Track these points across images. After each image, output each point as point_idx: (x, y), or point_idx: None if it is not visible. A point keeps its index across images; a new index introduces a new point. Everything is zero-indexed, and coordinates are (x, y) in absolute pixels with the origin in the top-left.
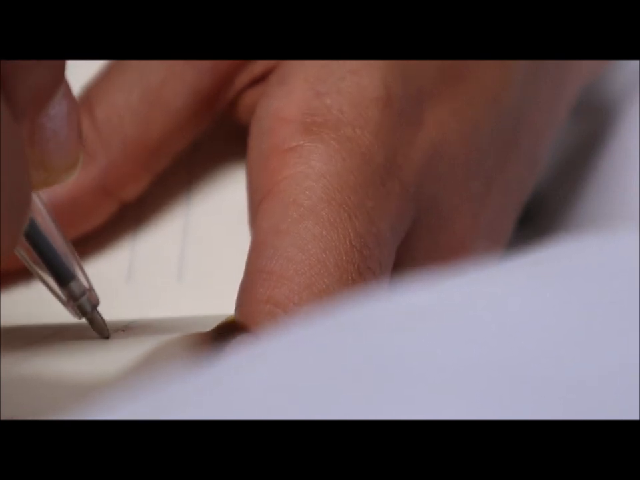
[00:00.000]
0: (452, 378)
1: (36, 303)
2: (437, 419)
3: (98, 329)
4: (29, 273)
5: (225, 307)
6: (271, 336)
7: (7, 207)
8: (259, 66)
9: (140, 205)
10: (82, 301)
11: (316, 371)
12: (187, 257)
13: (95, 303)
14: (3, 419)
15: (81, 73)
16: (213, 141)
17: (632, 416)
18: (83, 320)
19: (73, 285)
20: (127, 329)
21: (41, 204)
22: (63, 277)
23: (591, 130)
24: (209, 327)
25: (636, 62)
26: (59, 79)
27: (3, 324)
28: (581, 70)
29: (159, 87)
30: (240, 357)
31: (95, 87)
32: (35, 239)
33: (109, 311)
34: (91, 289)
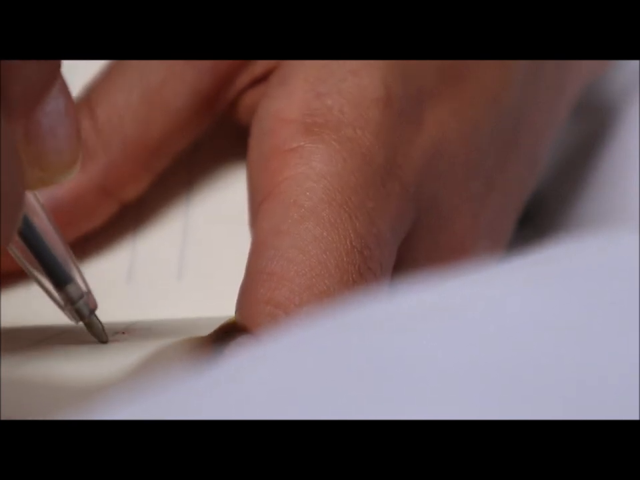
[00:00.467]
0: (453, 379)
1: (36, 303)
2: (438, 419)
3: (96, 334)
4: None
5: (225, 307)
6: (271, 337)
7: None
8: (259, 66)
9: (140, 206)
10: (79, 305)
11: (317, 372)
12: (187, 258)
13: (92, 307)
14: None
15: (81, 73)
16: (213, 141)
17: (632, 416)
18: (81, 324)
19: (70, 288)
20: (128, 331)
21: (38, 205)
22: (60, 280)
23: (591, 130)
24: (210, 327)
25: (636, 62)
26: (54, 75)
27: (2, 324)
28: (581, 70)
29: (159, 87)
30: (241, 359)
31: (96, 87)
32: (32, 240)
33: (109, 312)
34: (89, 293)
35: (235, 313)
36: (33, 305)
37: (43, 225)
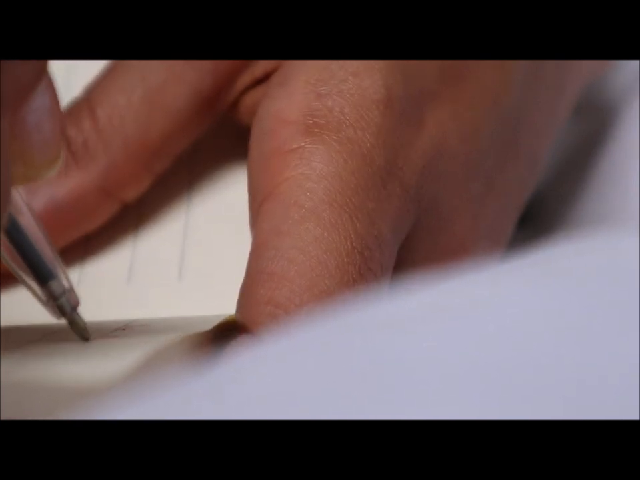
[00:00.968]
0: (453, 379)
1: (36, 303)
2: (438, 419)
3: (78, 331)
4: None
5: (225, 307)
6: (272, 338)
7: None
8: (260, 67)
9: (141, 206)
10: (61, 301)
11: (318, 374)
12: (187, 258)
13: (74, 304)
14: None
15: (81, 73)
16: (214, 141)
17: (632, 416)
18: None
19: (53, 285)
20: (127, 328)
21: (22, 202)
22: (43, 276)
23: (591, 130)
24: (209, 326)
25: (636, 62)
26: (41, 72)
27: (3, 324)
28: (581, 71)
29: (160, 88)
30: (241, 360)
31: (96, 88)
32: (15, 235)
33: (110, 312)
34: (72, 290)
35: (236, 313)
36: (33, 304)
37: (27, 221)
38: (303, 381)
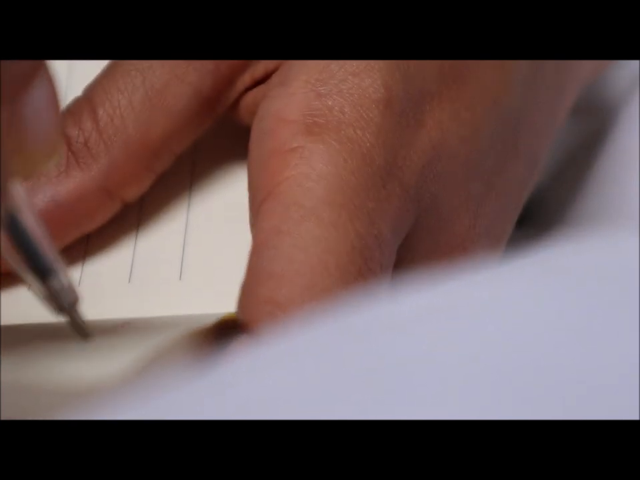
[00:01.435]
0: (453, 380)
1: (36, 302)
2: (438, 419)
3: (77, 329)
4: None
5: (226, 307)
6: (272, 339)
7: None
8: (260, 67)
9: (141, 205)
10: (60, 298)
11: (318, 375)
12: (187, 258)
13: (74, 301)
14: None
15: (81, 73)
16: (215, 141)
17: (632, 416)
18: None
19: (52, 281)
20: (127, 325)
21: (22, 196)
22: (42, 271)
23: (591, 130)
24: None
25: (636, 62)
26: (39, 63)
27: (3, 324)
28: (581, 70)
29: (161, 89)
30: (241, 362)
31: (97, 88)
32: (15, 229)
33: (110, 311)
34: (71, 287)
35: (236, 312)
36: (33, 304)
37: (27, 216)
38: (303, 383)
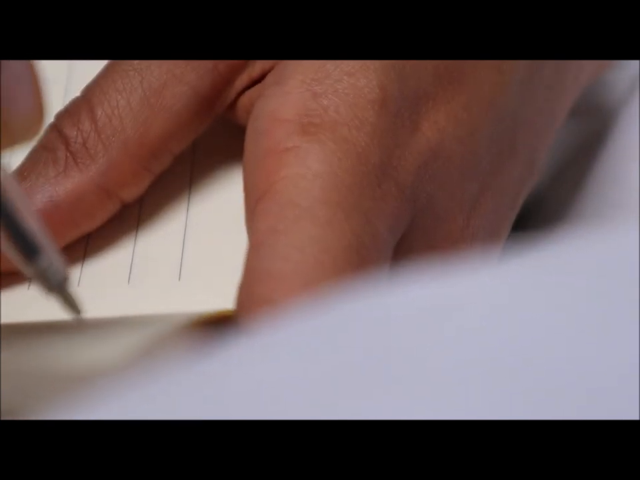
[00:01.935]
0: (452, 379)
1: (36, 302)
2: (436, 419)
3: (68, 306)
4: None
5: (225, 306)
6: (268, 333)
7: None
8: (257, 67)
9: (141, 206)
10: (49, 276)
11: (314, 370)
12: (187, 258)
13: (63, 279)
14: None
15: (80, 73)
16: (214, 141)
17: (632, 416)
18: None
19: (40, 260)
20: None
21: (5, 175)
22: (29, 250)
23: (591, 130)
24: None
25: (636, 62)
26: None
27: (2, 324)
28: (581, 71)
29: (159, 89)
30: (233, 353)
31: (95, 88)
32: (0, 208)
33: (110, 311)
34: (60, 265)
35: (233, 311)
36: (33, 304)
37: (12, 194)
38: (299, 379)
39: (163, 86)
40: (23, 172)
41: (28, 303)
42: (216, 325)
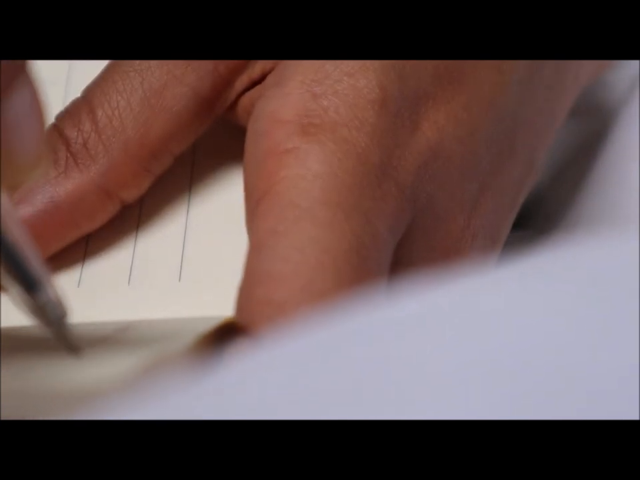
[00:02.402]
0: (453, 382)
1: None
2: (437, 419)
3: (65, 343)
4: None
5: (225, 308)
6: (271, 343)
7: None
8: (257, 68)
9: (141, 206)
10: (48, 312)
11: (319, 378)
12: (187, 258)
13: (62, 315)
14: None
15: (81, 73)
16: (214, 141)
17: (632, 416)
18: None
19: (39, 294)
20: (127, 328)
21: (8, 207)
22: (29, 284)
23: (591, 130)
24: (209, 328)
25: (636, 62)
26: (19, 68)
27: (2, 324)
28: (581, 72)
29: (160, 90)
30: (242, 366)
31: (96, 89)
32: (1, 241)
33: (110, 312)
34: (59, 301)
35: (234, 314)
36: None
37: (13, 227)
38: (302, 387)
39: (164, 87)
40: None
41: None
42: (220, 337)
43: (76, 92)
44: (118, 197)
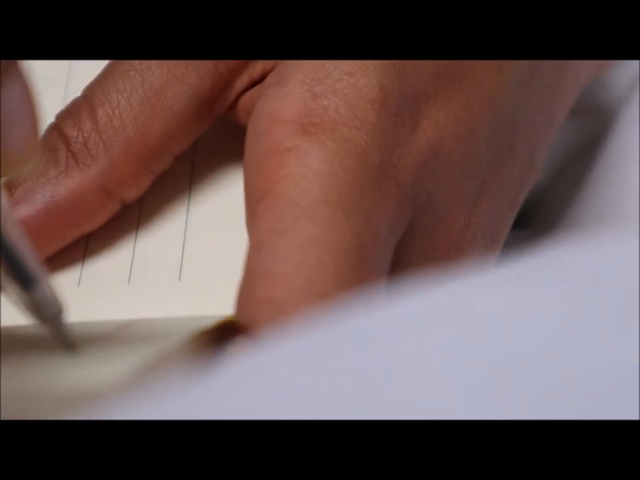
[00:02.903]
0: (453, 383)
1: None
2: (437, 419)
3: (61, 340)
4: None
5: (225, 307)
6: (271, 343)
7: None
8: (258, 67)
9: (141, 206)
10: (44, 308)
11: (319, 379)
12: (187, 258)
13: (57, 312)
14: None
15: (81, 73)
16: (214, 141)
17: (632, 416)
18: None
19: (35, 291)
20: (127, 327)
21: (5, 204)
22: (25, 281)
23: (591, 130)
24: (209, 327)
25: (636, 62)
26: (9, 65)
27: (2, 324)
28: (581, 71)
29: (160, 89)
30: (242, 366)
31: (96, 88)
32: None
33: (110, 311)
34: (55, 298)
35: (234, 313)
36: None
37: (8, 224)
38: (302, 388)
39: (164, 86)
40: None
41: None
42: (220, 336)
43: (76, 92)
44: (118, 196)
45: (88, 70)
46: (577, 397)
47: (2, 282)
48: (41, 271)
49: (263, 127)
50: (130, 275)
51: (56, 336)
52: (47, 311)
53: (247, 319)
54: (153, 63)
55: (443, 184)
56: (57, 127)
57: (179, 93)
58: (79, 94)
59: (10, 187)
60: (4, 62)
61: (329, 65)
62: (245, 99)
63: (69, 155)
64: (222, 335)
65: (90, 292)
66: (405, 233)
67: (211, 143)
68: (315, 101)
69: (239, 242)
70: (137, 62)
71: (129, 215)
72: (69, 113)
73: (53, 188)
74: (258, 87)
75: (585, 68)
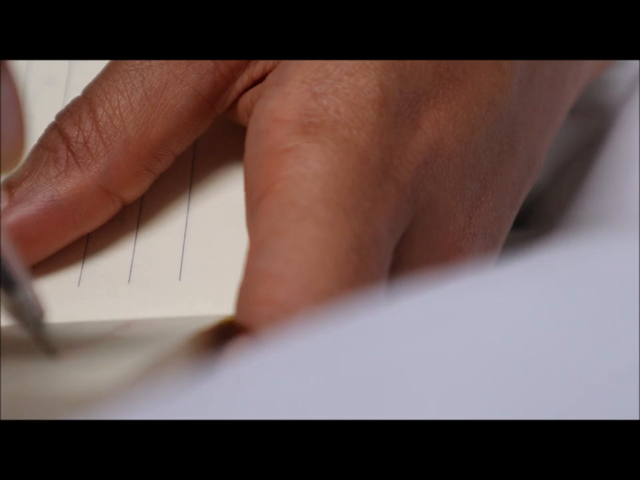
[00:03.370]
0: (454, 383)
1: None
2: (436, 419)
3: (41, 344)
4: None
5: (225, 307)
6: (271, 344)
7: None
8: (258, 67)
9: (141, 206)
10: (25, 312)
11: (320, 381)
12: (187, 258)
13: (38, 315)
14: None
15: (81, 72)
16: (214, 141)
17: (632, 416)
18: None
19: (17, 293)
20: (127, 327)
21: None
22: (7, 283)
23: (591, 130)
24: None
25: (636, 62)
26: None
27: (2, 324)
28: (581, 71)
29: (160, 89)
30: (242, 368)
31: (97, 88)
32: None
33: (110, 311)
34: (37, 301)
35: (234, 313)
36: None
37: None
38: (303, 387)
39: (164, 86)
40: (24, 171)
41: None
42: (219, 336)
43: (76, 92)
44: (118, 196)
45: (88, 70)
46: (577, 396)
47: None
48: (23, 274)
49: (263, 126)
50: (130, 274)
51: (36, 340)
52: (28, 315)
53: (247, 319)
54: (154, 62)
55: (443, 184)
56: (57, 126)
57: (180, 93)
58: (79, 94)
59: (10, 187)
60: None
61: (329, 64)
62: (245, 99)
63: (69, 154)
64: (222, 335)
65: (90, 292)
66: (406, 233)
67: (211, 143)
68: (315, 100)
69: (238, 242)
70: (137, 62)
71: (129, 215)
72: (69, 113)
73: (53, 188)
74: (258, 86)
75: (585, 68)
